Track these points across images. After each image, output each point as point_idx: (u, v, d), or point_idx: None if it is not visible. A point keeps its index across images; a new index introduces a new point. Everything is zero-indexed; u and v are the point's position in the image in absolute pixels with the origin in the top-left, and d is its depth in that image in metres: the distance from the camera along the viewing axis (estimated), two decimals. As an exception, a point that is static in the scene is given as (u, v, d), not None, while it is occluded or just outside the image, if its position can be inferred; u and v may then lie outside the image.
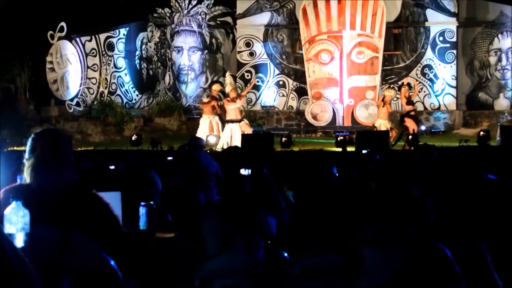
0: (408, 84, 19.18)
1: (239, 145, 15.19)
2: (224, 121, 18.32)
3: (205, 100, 18.78)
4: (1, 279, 2.24)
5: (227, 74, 19.76)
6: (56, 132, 4.29)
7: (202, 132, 17.97)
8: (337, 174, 5.51)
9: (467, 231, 3.71)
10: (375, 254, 3.13)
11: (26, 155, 3.96)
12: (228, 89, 18.35)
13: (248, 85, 20.83)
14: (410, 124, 18.34)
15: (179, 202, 5.76)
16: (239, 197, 3.86)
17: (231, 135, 17.78)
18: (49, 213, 3.47)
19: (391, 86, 20.11)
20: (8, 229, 3.16)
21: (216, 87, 18.88)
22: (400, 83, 21.39)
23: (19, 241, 3.17)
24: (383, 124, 18.07)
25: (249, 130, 17.85)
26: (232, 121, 17.96)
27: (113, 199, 4.24)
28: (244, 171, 5.80)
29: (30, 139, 4.02)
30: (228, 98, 18.17)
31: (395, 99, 22.60)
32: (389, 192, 3.37)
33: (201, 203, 6.28)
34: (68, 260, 3.17)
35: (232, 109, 17.98)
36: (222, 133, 18.12)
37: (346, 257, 3.25)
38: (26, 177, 3.83)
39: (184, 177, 7.25)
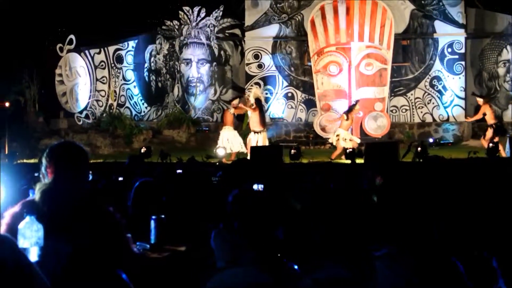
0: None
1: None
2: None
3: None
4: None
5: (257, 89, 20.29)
6: (72, 147, 3.93)
7: (226, 142, 18.30)
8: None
9: (473, 245, 3.70)
10: (388, 267, 3.12)
11: (43, 170, 3.78)
12: (252, 99, 18.36)
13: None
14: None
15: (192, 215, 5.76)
16: (251, 212, 3.86)
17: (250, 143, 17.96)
18: (62, 228, 3.47)
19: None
20: (22, 243, 3.18)
21: (236, 101, 19.06)
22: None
23: (33, 255, 3.20)
24: (342, 133, 18.15)
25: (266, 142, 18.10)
26: (255, 132, 18.12)
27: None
28: (256, 187, 5.62)
29: (45, 154, 3.79)
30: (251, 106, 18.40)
31: (403, 110, 22.64)
32: (391, 207, 3.37)
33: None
34: None
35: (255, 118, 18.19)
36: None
37: (358, 270, 3.24)
38: (38, 198, 3.63)
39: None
